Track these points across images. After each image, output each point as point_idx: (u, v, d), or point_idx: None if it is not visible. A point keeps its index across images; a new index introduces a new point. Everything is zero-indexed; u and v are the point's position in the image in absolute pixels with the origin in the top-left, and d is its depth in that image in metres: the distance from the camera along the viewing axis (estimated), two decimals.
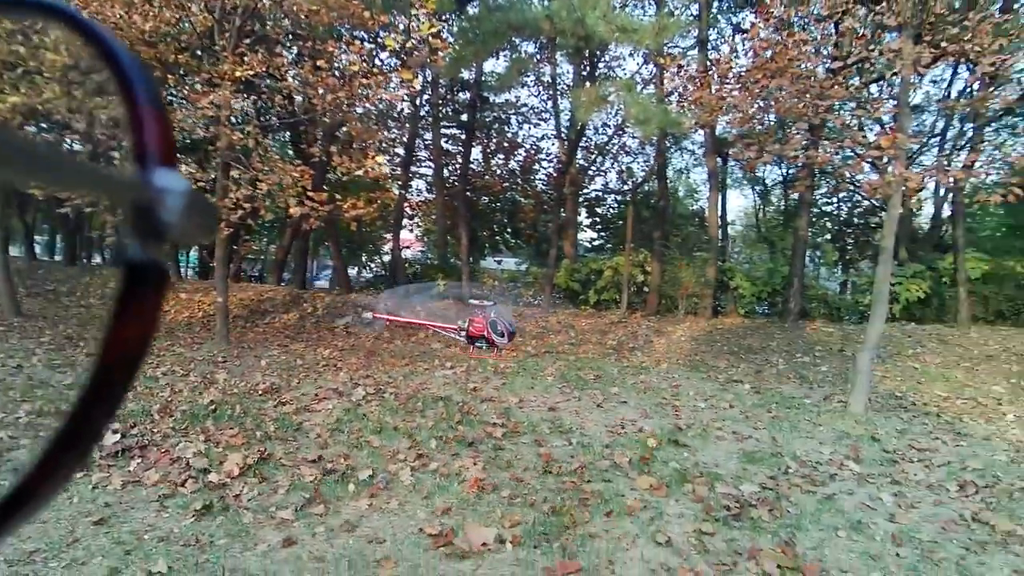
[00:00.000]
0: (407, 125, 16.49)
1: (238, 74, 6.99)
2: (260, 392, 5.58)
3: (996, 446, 5.20)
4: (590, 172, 19.36)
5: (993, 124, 13.12)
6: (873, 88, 8.35)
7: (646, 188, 19.03)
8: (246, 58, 7.01)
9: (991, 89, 7.17)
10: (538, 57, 16.43)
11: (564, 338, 10.85)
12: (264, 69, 7.41)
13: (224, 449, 3.84)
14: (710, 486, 3.62)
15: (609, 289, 14.51)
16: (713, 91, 6.83)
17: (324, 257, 23.02)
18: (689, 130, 12.23)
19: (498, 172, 19.98)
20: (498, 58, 15.34)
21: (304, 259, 16.66)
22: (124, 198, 0.25)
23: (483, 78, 16.56)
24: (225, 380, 6.00)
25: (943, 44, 5.37)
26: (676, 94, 9.18)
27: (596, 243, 21.76)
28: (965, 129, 13.45)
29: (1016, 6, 5.90)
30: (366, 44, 9.74)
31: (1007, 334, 10.70)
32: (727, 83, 7.05)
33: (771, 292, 13.46)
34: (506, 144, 19.34)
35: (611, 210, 20.98)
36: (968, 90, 11.11)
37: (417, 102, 15.67)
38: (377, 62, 10.87)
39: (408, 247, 20.80)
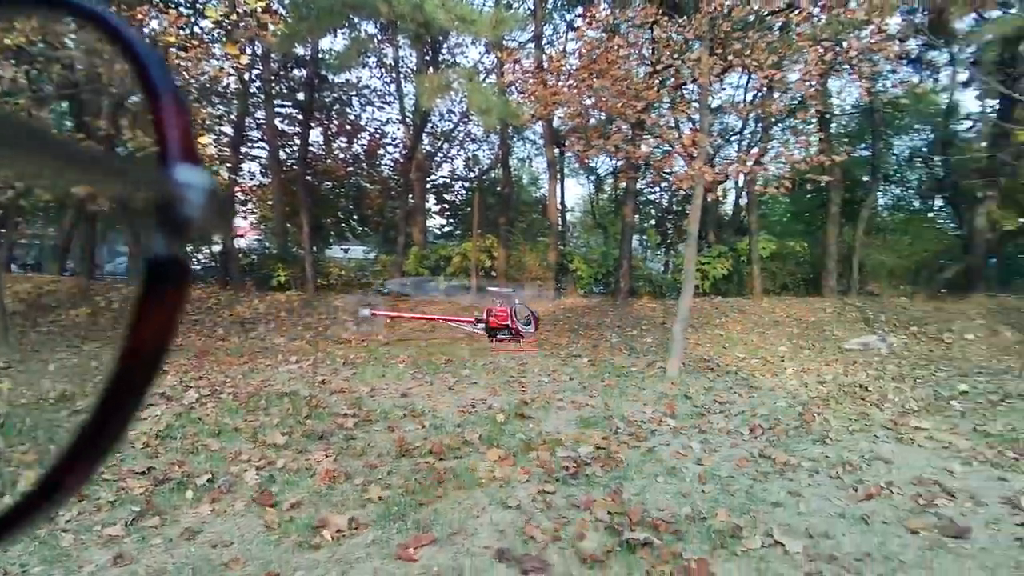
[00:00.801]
0: (235, 102, 15.11)
1: (8, 41, 5.98)
2: (51, 401, 4.92)
3: (779, 395, 6.30)
4: (437, 158, 19.36)
5: (779, 125, 15.48)
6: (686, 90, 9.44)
7: (492, 175, 19.57)
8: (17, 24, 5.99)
9: (772, 96, 8.49)
10: (379, 38, 15.97)
11: (416, 325, 10.88)
12: (40, 37, 6.38)
13: (17, 468, 3.37)
14: (552, 451, 3.97)
15: (459, 275, 14.79)
16: (547, 86, 7.27)
17: (116, 242, 19.89)
18: (528, 122, 12.80)
19: (341, 156, 19.13)
20: (336, 36, 14.65)
21: (91, 245, 14.36)
22: (147, 194, 0.25)
23: (321, 56, 15.70)
24: (10, 390, 5.18)
25: (731, 57, 6.28)
26: (515, 87, 9.59)
27: (445, 229, 21.89)
28: (757, 129, 15.72)
29: (790, 28, 6.99)
30: (183, 11, 8.76)
31: (790, 303, 12.81)
32: (560, 79, 7.54)
33: (605, 273, 14.69)
34: (348, 127, 18.56)
35: (459, 196, 21.24)
36: (756, 96, 12.98)
37: (247, 78, 14.42)
38: (197, 30, 9.84)
39: (242, 235, 19.14)
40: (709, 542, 2.78)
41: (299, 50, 14.36)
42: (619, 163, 15.31)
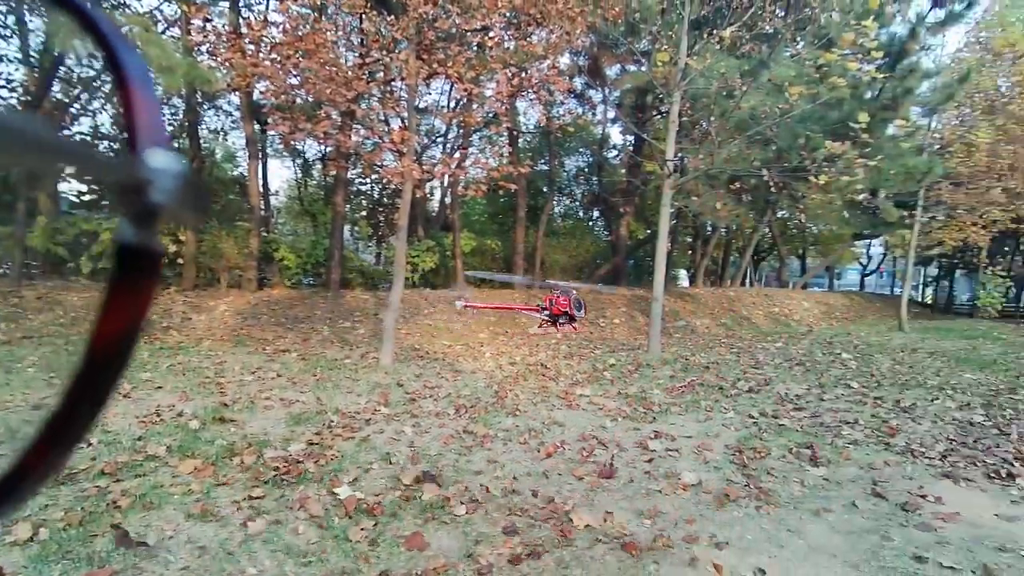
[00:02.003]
0: None
1: None
2: None
3: (479, 377, 6.99)
4: (73, 110, 15.65)
5: (478, 134, 17.04)
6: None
7: (176, 145, 16.80)
8: None
9: (472, 107, 9.30)
10: None
11: (54, 317, 8.75)
12: None
13: None
14: (259, 454, 3.68)
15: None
16: (246, 56, 6.60)
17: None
18: (223, 90, 11.42)
19: None
20: None
21: None
22: (115, 178, 0.24)
23: None
24: None
25: (436, 65, 6.69)
26: (204, 48, 8.44)
27: (87, 198, 17.53)
28: (459, 135, 17.00)
29: (485, 49, 7.75)
30: None
31: (490, 295, 14.24)
32: (261, 51, 6.93)
33: (315, 264, 14.09)
34: None
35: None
36: (458, 105, 14.04)
37: None
38: None
39: None
40: (422, 515, 2.96)
41: None
42: (329, 150, 14.83)
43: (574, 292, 10.39)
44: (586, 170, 21.76)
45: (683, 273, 24.48)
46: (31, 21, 12.93)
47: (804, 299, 19.47)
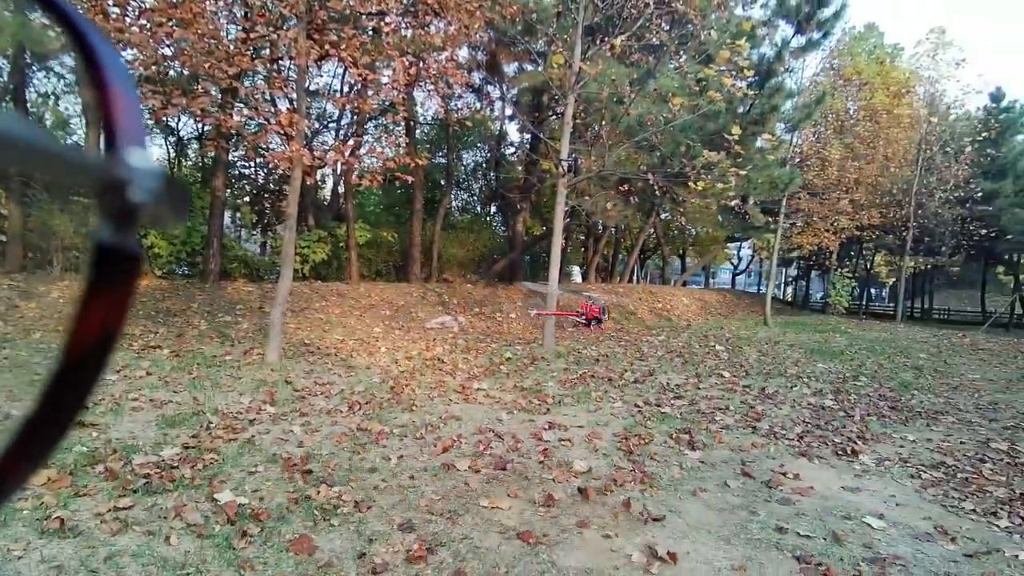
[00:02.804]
0: None
1: None
2: None
3: (374, 372, 6.81)
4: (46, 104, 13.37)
5: (373, 122, 16.51)
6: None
7: None
8: None
9: (367, 94, 8.99)
10: None
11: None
12: None
13: None
14: (126, 460, 3.33)
15: None
16: (110, 19, 5.89)
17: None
18: (58, 51, 10.13)
19: None
20: None
21: None
22: (92, 178, 0.23)
23: None
24: None
25: (328, 46, 6.39)
26: None
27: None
28: (353, 121, 16.35)
29: (381, 34, 7.50)
30: None
31: (383, 288, 13.91)
32: (128, 15, 6.23)
33: (190, 252, 12.97)
34: None
35: None
36: (352, 90, 13.53)
37: None
38: None
39: None
40: (312, 518, 2.84)
41: None
42: (207, 128, 13.70)
43: (602, 301, 13.75)
44: (484, 165, 21.88)
45: (576, 269, 25.41)
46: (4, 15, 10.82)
47: (684, 296, 20.94)
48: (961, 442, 5.19)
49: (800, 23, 15.75)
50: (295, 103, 6.95)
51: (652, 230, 22.57)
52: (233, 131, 7.70)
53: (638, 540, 2.87)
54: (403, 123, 14.86)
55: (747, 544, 2.90)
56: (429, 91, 11.75)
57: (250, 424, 4.36)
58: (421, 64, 7.93)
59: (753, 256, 33.95)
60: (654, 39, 9.99)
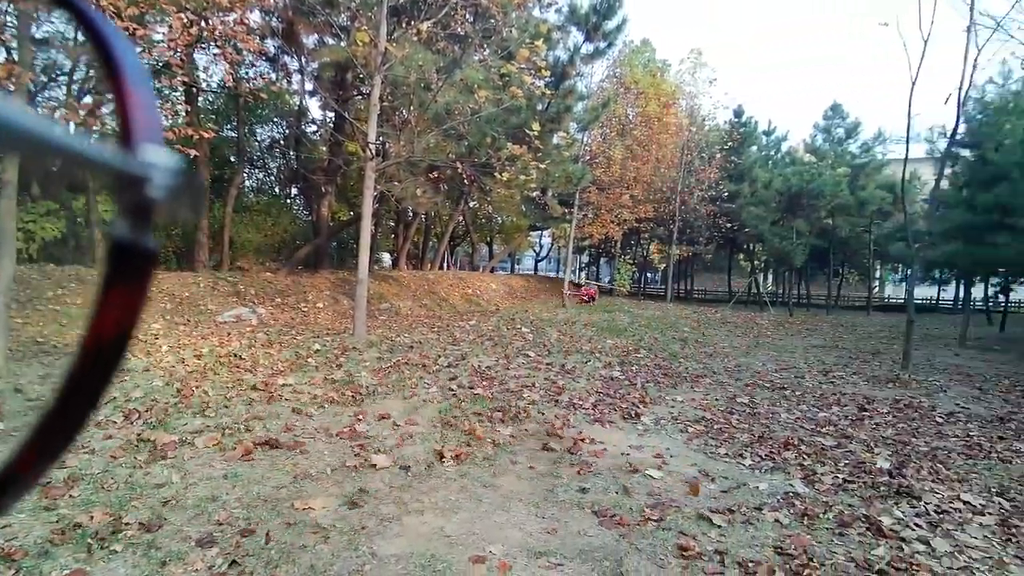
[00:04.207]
0: None
1: None
2: None
3: (154, 374, 5.95)
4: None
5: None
6: None
7: None
8: None
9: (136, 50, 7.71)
10: None
11: None
12: None
13: None
14: None
15: None
16: None
17: None
18: None
19: None
20: None
21: None
22: (110, 175, 0.23)
23: None
24: None
25: None
26: None
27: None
28: (91, 74, 13.61)
29: None
30: None
31: (162, 277, 12.04)
32: None
33: None
34: None
35: None
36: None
37: None
38: None
39: None
40: (85, 548, 2.42)
41: None
42: None
43: (594, 286, 20.87)
44: (283, 142, 20.23)
45: (386, 256, 24.96)
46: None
47: (492, 281, 21.87)
48: (716, 399, 6.29)
49: (589, 31, 17.29)
50: (17, 53, 5.67)
51: (461, 218, 23.09)
52: None
53: (456, 519, 2.97)
54: (183, 89, 13.01)
55: (555, 507, 3.18)
56: (215, 55, 10.47)
57: None
58: (204, 24, 7.04)
59: (552, 244, 36.73)
60: (459, 29, 10.17)
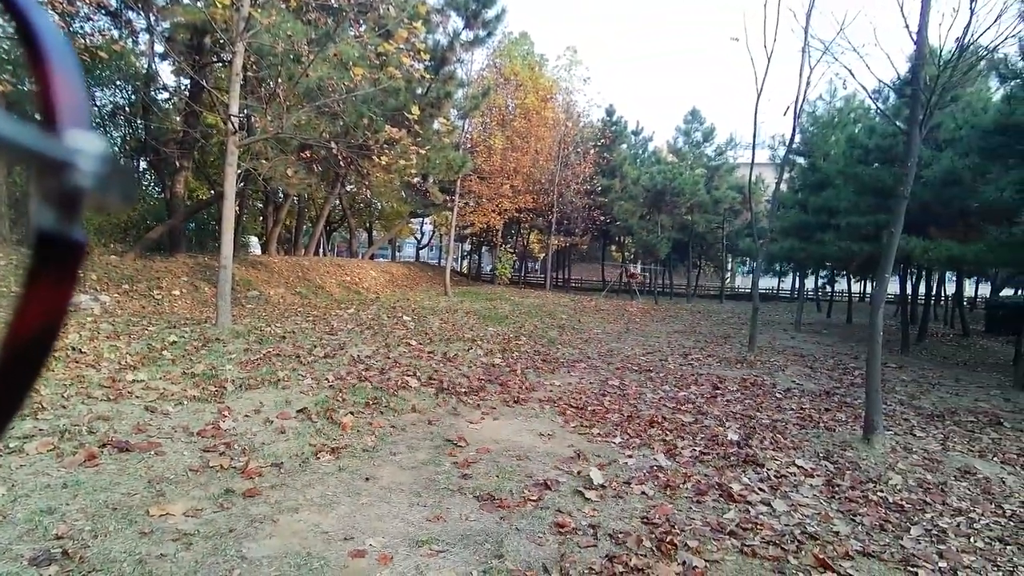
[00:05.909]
0: None
1: None
2: None
3: None
4: None
5: None
6: None
7: None
8: None
9: None
10: None
11: None
12: None
13: None
14: None
15: None
16: None
17: None
18: None
19: None
20: None
21: None
22: (33, 160, 0.21)
23: None
24: None
25: None
26: None
27: None
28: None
29: None
30: None
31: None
32: None
33: None
34: None
35: None
36: None
37: None
38: None
39: None
40: None
41: None
42: None
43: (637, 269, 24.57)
44: (128, 110, 17.98)
45: (254, 240, 23.23)
46: None
47: (372, 269, 21.22)
48: (590, 383, 6.64)
49: (469, 18, 17.22)
50: None
51: (338, 201, 22.10)
52: None
53: (333, 514, 2.88)
54: None
55: (437, 494, 3.19)
56: (43, 3, 9.05)
57: None
58: None
59: (434, 231, 36.38)
60: (332, 1, 9.65)
